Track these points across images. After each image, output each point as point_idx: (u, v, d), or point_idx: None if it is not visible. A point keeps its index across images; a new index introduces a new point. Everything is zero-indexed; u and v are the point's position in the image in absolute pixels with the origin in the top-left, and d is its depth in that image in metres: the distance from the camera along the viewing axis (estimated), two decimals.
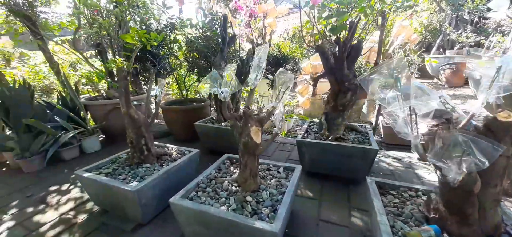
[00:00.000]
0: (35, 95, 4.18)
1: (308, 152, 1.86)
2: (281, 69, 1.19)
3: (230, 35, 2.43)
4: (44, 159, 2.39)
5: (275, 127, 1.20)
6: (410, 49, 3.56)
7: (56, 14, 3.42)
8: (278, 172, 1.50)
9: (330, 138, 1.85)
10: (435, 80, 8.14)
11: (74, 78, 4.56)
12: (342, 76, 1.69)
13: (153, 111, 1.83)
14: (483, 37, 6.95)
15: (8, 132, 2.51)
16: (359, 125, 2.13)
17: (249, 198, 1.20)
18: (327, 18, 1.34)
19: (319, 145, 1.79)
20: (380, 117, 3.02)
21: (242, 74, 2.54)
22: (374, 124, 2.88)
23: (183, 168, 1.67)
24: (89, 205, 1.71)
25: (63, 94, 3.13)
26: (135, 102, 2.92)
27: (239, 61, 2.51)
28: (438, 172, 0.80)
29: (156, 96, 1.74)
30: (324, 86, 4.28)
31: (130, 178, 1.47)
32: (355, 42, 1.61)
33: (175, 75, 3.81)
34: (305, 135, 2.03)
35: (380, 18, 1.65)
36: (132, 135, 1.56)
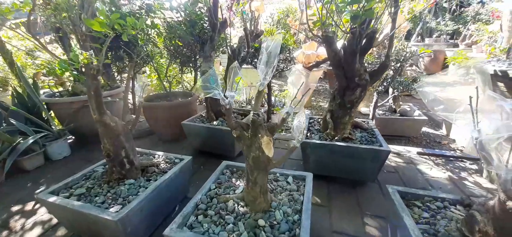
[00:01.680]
0: None
1: (313, 154, 1.70)
2: (295, 66, 0.97)
3: (220, 20, 2.13)
4: (2, 171, 1.98)
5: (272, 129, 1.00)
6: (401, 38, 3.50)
7: None
8: (287, 182, 1.32)
9: (336, 138, 1.71)
10: (414, 67, 8.44)
11: (32, 69, 3.92)
12: (353, 71, 1.52)
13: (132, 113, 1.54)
14: (461, 26, 7.22)
15: None
16: (362, 121, 2.01)
17: (261, 222, 1.01)
18: (352, 3, 1.14)
19: (327, 146, 1.63)
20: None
21: None
22: (371, 115, 2.81)
23: (174, 181, 1.43)
24: (61, 231, 1.42)
25: (19, 90, 2.63)
26: (109, 98, 2.54)
27: (230, 52, 2.23)
28: (502, 194, 0.66)
29: (133, 94, 1.44)
30: (316, 75, 4.14)
31: (110, 201, 1.20)
32: (368, 32, 1.43)
33: (155, 64, 3.41)
34: (308, 134, 1.86)
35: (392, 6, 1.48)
36: (108, 146, 1.27)
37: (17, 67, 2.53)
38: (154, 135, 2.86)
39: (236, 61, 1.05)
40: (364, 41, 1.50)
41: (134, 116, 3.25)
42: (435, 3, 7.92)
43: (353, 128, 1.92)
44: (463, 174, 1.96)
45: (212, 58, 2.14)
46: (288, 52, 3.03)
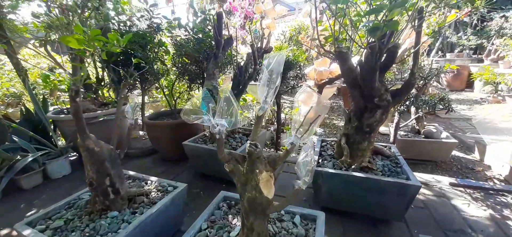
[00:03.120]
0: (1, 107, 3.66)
1: (326, 184, 1.47)
2: (304, 86, 0.80)
3: (226, 37, 2.02)
4: None
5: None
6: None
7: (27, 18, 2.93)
8: (294, 224, 1.10)
9: (353, 166, 1.47)
10: (435, 83, 7.96)
11: (50, 86, 4.04)
12: (372, 90, 1.31)
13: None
14: (484, 40, 6.77)
15: None
16: (383, 146, 1.76)
17: None
18: (370, 13, 0.97)
19: (342, 176, 1.40)
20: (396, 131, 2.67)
21: (240, 83, 2.15)
22: (392, 138, 2.53)
23: (163, 213, 1.25)
24: None
25: (28, 107, 2.65)
26: (113, 116, 2.48)
27: (236, 69, 2.11)
28: None
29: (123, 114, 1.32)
30: (329, 92, 3.92)
31: None
32: (390, 46, 1.24)
33: (163, 82, 3.38)
34: (320, 160, 1.64)
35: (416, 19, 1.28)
36: (91, 173, 1.13)
37: (28, 84, 2.56)
38: (157, 154, 2.75)
39: (230, 89, 0.89)
40: (384, 56, 1.30)
41: (141, 133, 3.17)
42: (467, 14, 7.56)
43: (373, 154, 1.67)
44: (506, 212, 1.63)
45: (215, 75, 2.02)
46: (299, 68, 2.88)
